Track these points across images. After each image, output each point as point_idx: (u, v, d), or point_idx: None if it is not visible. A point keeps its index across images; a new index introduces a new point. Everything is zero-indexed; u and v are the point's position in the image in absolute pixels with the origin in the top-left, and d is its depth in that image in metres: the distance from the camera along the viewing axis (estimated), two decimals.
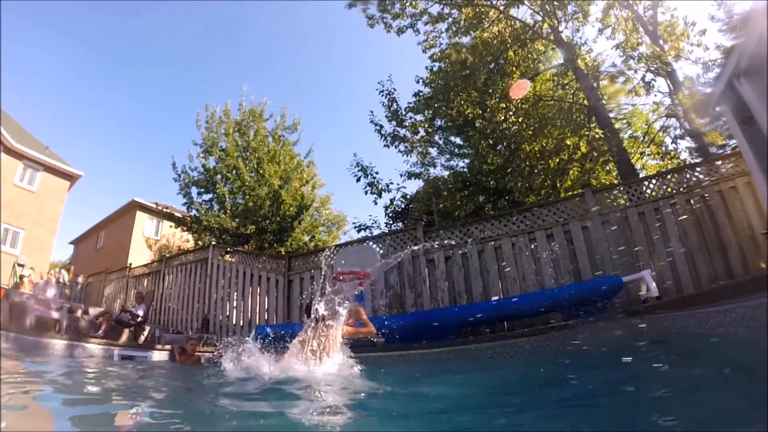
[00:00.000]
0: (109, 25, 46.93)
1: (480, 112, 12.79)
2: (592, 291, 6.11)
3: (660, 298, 5.71)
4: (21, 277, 12.24)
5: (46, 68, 52.59)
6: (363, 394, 3.15)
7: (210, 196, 15.35)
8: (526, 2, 12.91)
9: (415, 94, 13.56)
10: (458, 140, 14.27)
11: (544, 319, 6.67)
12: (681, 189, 7.11)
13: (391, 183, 13.55)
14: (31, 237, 20.11)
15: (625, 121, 12.96)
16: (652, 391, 2.30)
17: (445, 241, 8.57)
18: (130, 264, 14.05)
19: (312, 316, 4.23)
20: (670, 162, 12.05)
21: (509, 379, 3.49)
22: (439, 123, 14.07)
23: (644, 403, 2.10)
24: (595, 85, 11.90)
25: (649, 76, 11.72)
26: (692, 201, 6.95)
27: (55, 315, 10.49)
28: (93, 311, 11.29)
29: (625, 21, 12.71)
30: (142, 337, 9.90)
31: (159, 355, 7.61)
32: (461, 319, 7.02)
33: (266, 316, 10.00)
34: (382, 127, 13.64)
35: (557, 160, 11.88)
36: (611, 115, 12.71)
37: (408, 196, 13.95)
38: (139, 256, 20.72)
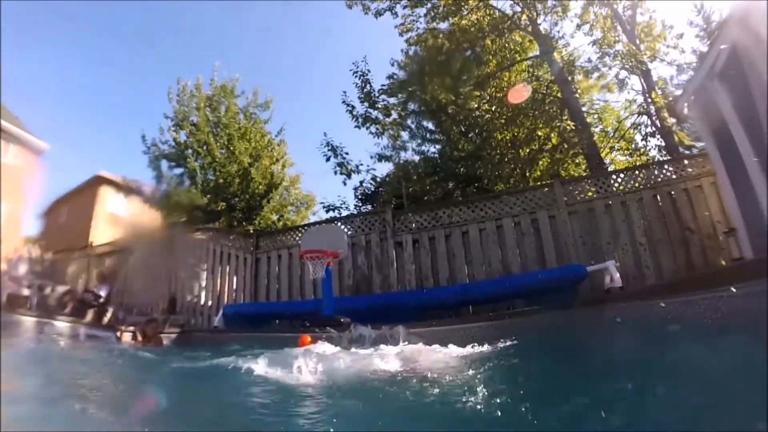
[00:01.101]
0: None
1: (453, 98, 12.79)
2: (557, 279, 6.26)
3: (623, 289, 5.84)
4: None
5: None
6: None
7: (181, 170, 15.06)
8: None
9: (389, 77, 13.59)
10: (430, 125, 14.29)
11: (507, 304, 6.76)
12: (648, 185, 7.29)
13: (361, 164, 13.63)
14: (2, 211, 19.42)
15: (596, 116, 13.15)
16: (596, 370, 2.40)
17: (413, 225, 8.60)
18: (91, 242, 13.64)
19: None
20: (638, 158, 12.30)
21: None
22: (412, 107, 14.05)
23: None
24: (569, 78, 12.05)
25: (624, 74, 11.93)
26: (658, 197, 7.17)
27: (25, 292, 10.27)
28: (59, 289, 11.02)
29: (604, 18, 12.83)
30: (105, 318, 9.68)
31: (126, 336, 7.48)
32: (426, 302, 7.10)
33: (234, 296, 9.84)
34: (354, 108, 13.56)
35: (527, 150, 12.03)
36: (584, 109, 12.91)
37: (378, 179, 13.97)
38: (104, 233, 20.22)
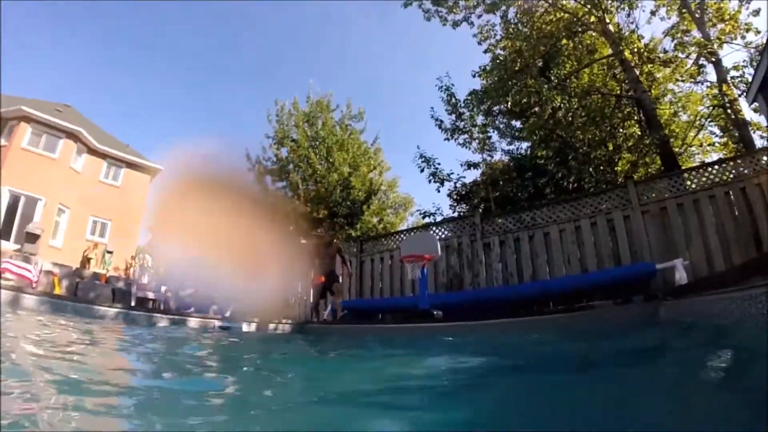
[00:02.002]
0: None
1: (536, 100, 13.39)
2: (628, 276, 6.94)
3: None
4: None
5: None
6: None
7: (283, 183, 16.84)
8: None
9: (471, 93, 14.35)
10: (518, 124, 15.00)
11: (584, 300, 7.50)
12: (720, 181, 7.42)
13: (452, 173, 14.56)
14: (118, 227, 22.59)
15: (680, 105, 13.17)
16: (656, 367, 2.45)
17: (500, 227, 9.56)
18: None
19: None
20: (716, 149, 12.29)
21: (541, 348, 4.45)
22: (497, 109, 14.83)
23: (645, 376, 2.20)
24: (646, 71, 12.26)
25: (701, 61, 11.93)
26: (731, 193, 7.23)
27: (151, 295, 12.39)
28: (184, 292, 13.13)
29: (670, 6, 12.85)
30: (228, 312, 11.56)
31: (246, 327, 8.83)
32: (511, 298, 8.03)
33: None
34: (442, 122, 14.60)
35: (607, 149, 12.40)
36: (667, 98, 13.04)
37: (467, 185, 14.87)
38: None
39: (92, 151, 22.14)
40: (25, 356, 2.62)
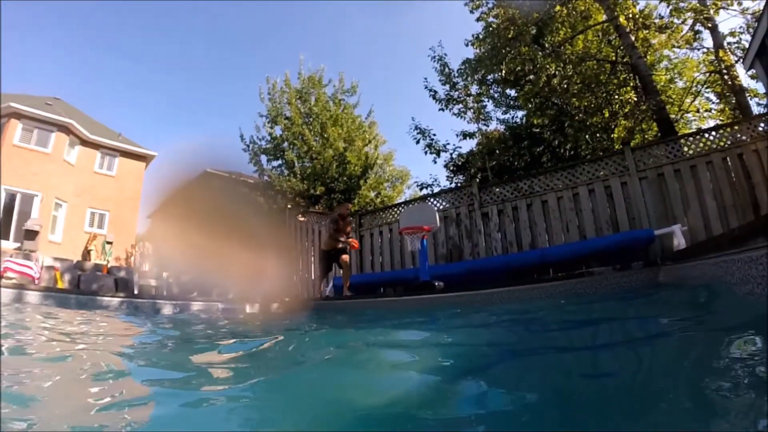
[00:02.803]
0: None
1: (531, 68, 13.30)
2: (627, 242, 6.99)
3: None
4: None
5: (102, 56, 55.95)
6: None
7: (279, 162, 16.81)
8: None
9: (464, 62, 14.23)
10: (513, 92, 14.93)
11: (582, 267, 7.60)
12: (718, 147, 7.42)
13: (448, 143, 14.55)
14: (116, 217, 22.71)
15: (676, 72, 13.13)
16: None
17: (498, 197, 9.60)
18: None
19: None
20: (713, 116, 12.30)
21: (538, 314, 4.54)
22: (491, 78, 14.72)
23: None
24: (642, 37, 12.16)
25: (697, 27, 11.85)
26: (728, 159, 7.27)
27: (153, 282, 12.47)
28: (184, 277, 13.19)
29: None
30: (230, 294, 11.66)
31: (249, 308, 8.88)
32: (511, 266, 8.12)
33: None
34: (436, 92, 14.51)
35: (603, 116, 12.39)
36: (663, 64, 12.97)
37: (463, 155, 14.87)
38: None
39: (85, 142, 22.06)
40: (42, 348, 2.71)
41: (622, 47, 12.32)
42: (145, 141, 24.79)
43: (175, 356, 2.93)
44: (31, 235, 15.18)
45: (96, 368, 2.10)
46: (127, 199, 23.23)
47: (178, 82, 66.89)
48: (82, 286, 12.19)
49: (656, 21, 12.65)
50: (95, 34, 50.96)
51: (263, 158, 17.00)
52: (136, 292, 12.02)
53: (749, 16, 12.02)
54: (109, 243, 20.91)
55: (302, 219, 11.89)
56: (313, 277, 11.37)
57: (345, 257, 8.66)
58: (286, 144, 16.39)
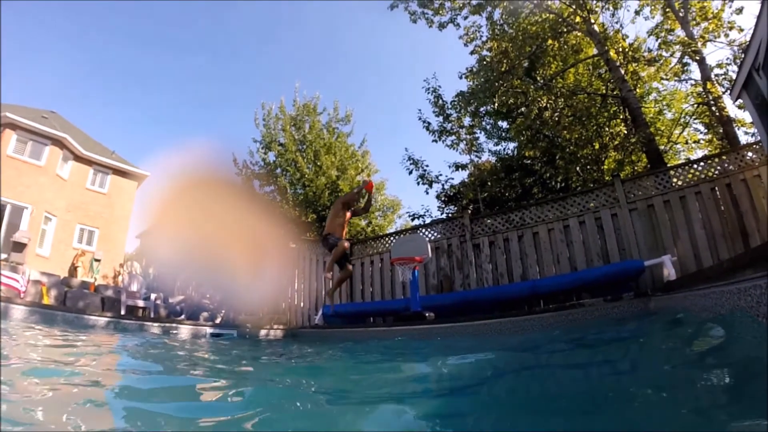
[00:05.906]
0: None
1: (523, 101, 13.47)
2: (617, 273, 6.95)
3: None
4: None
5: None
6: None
7: (271, 188, 16.77)
8: None
9: (458, 95, 14.41)
10: (505, 124, 15.10)
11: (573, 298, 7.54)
12: (706, 177, 7.45)
13: (440, 175, 14.61)
14: (105, 235, 22.51)
15: (665, 104, 13.34)
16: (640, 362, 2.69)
17: (489, 228, 9.56)
18: None
19: None
20: (701, 146, 12.46)
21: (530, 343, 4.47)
22: (484, 110, 14.90)
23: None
24: (631, 70, 12.40)
25: (685, 60, 12.11)
26: (716, 189, 7.28)
27: (140, 303, 12.28)
28: (174, 299, 13.05)
29: (654, 5, 13.03)
30: (218, 320, 11.48)
31: (237, 334, 8.73)
32: (502, 297, 8.05)
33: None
34: (429, 124, 14.66)
35: (593, 148, 12.51)
36: (652, 96, 13.18)
37: (455, 186, 14.93)
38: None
39: (78, 158, 22.00)
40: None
41: (612, 80, 12.52)
42: (138, 161, 24.59)
43: (154, 384, 2.79)
44: (19, 247, 14.97)
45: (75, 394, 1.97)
46: (118, 217, 23.07)
47: (175, 106, 67.32)
48: (68, 303, 11.93)
49: (645, 54, 12.93)
50: (85, 57, 51.45)
51: (256, 183, 16.96)
52: (123, 312, 11.78)
53: (736, 48, 12.30)
54: (97, 261, 20.59)
55: (293, 246, 11.79)
56: (302, 305, 11.21)
57: (345, 245, 7.98)
58: (279, 170, 16.41)
